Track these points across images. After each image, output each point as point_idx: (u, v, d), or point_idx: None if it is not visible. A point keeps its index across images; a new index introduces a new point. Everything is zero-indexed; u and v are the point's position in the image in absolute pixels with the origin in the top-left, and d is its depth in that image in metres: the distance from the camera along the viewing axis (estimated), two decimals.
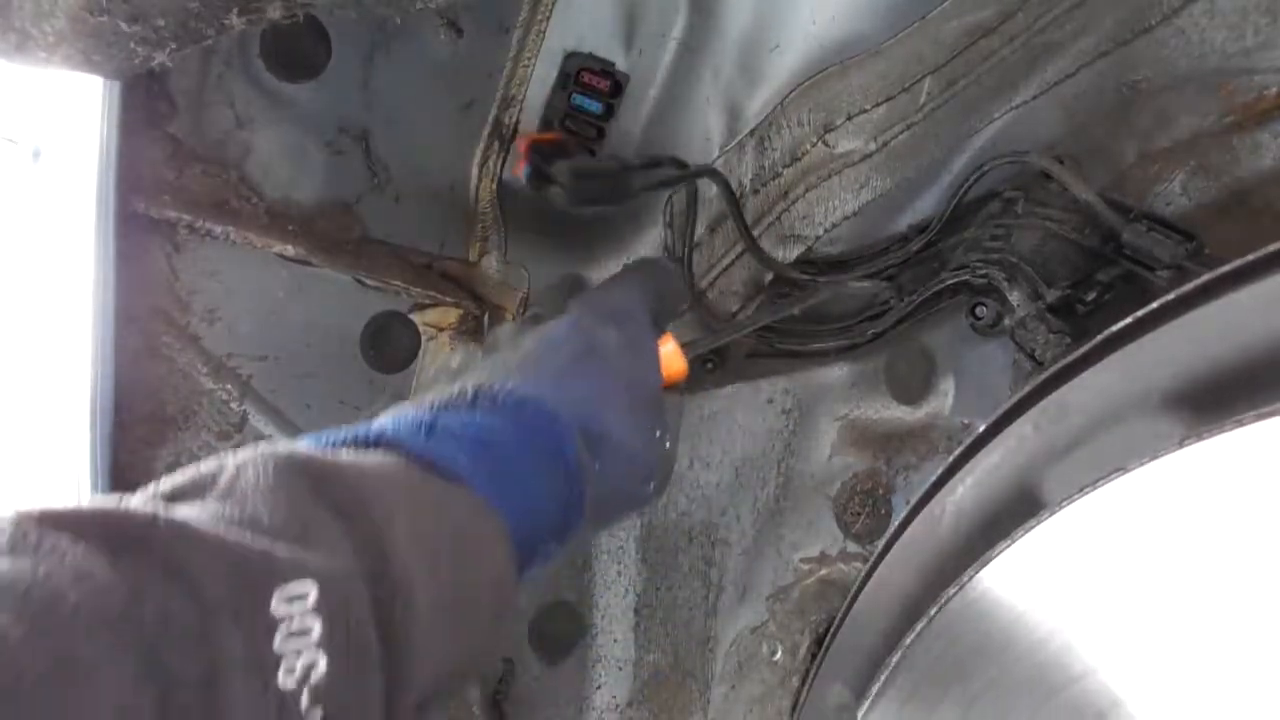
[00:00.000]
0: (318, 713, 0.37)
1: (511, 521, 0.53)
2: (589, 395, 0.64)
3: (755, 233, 0.98)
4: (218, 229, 0.83)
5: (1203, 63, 0.84)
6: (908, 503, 0.71)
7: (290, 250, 0.86)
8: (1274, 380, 0.45)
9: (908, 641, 0.58)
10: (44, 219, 0.75)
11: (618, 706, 1.13)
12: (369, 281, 0.93)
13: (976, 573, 0.54)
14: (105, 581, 0.34)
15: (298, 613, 0.38)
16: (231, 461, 0.44)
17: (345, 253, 0.92)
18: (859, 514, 1.03)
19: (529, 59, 0.95)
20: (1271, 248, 0.47)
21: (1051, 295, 0.86)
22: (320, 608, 0.38)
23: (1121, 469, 0.46)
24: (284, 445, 0.46)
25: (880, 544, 0.69)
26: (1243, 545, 0.44)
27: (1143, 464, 0.46)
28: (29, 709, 0.29)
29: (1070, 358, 0.56)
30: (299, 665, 0.37)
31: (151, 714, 0.32)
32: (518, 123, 0.99)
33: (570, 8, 0.93)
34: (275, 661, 0.37)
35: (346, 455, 0.49)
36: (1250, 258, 0.48)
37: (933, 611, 0.56)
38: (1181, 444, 0.44)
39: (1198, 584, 0.46)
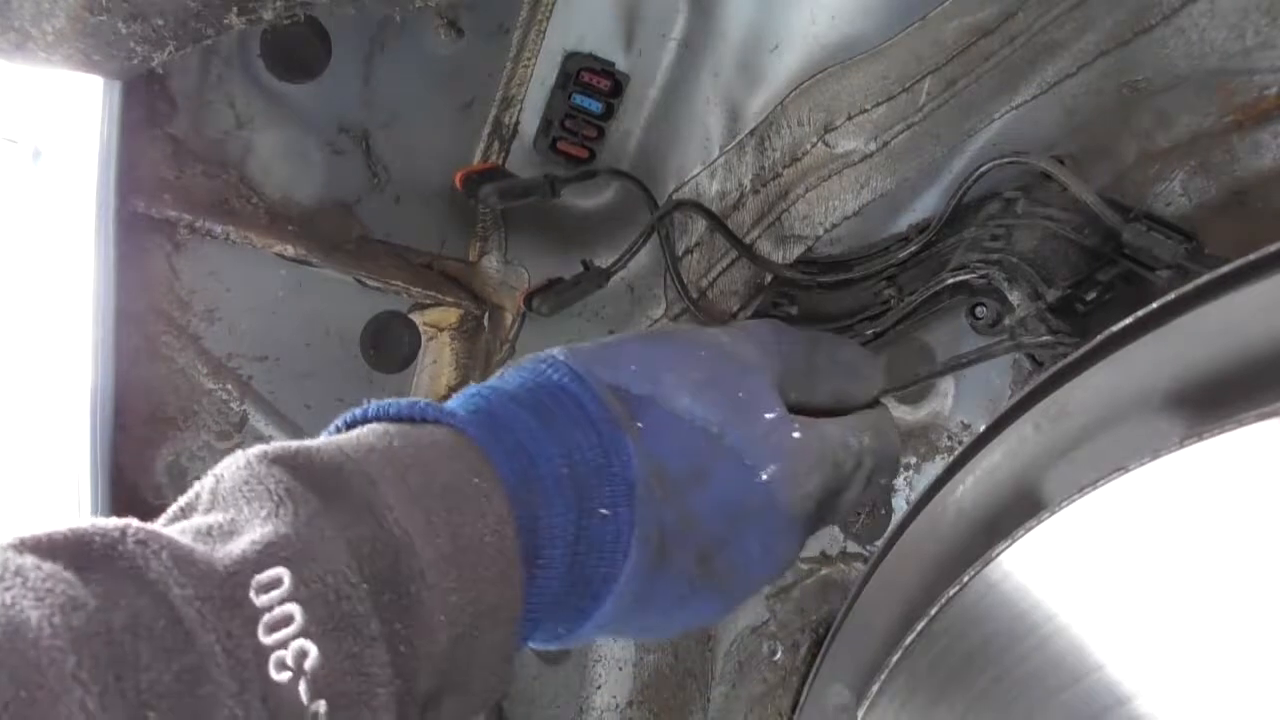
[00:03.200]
0: (321, 705, 0.36)
1: (507, 457, 0.50)
2: (643, 358, 0.59)
3: (755, 233, 0.98)
4: (218, 229, 0.83)
5: (1203, 63, 0.84)
6: (908, 503, 0.71)
7: (290, 250, 0.87)
8: (1274, 380, 0.45)
9: (908, 641, 0.58)
10: (44, 219, 0.75)
11: (618, 706, 1.13)
12: (369, 281, 0.93)
13: (977, 573, 0.54)
14: (72, 597, 0.33)
15: (275, 601, 0.36)
16: (214, 471, 0.43)
17: (345, 253, 0.92)
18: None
19: (529, 59, 0.95)
20: (1271, 248, 0.47)
21: (1051, 295, 0.86)
22: (296, 593, 0.37)
23: (1122, 469, 0.46)
24: (264, 445, 0.46)
25: (880, 544, 0.69)
26: (1243, 545, 0.44)
27: (1143, 464, 0.46)
28: None
29: (1070, 358, 0.56)
30: (289, 657, 0.36)
31: None
32: (518, 123, 0.99)
33: (570, 8, 0.93)
34: (264, 655, 0.35)
35: (329, 439, 0.48)
36: (1250, 258, 0.48)
37: (933, 611, 0.56)
38: (1181, 444, 0.44)
39: (1198, 584, 0.46)
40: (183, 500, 0.43)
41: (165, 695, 0.33)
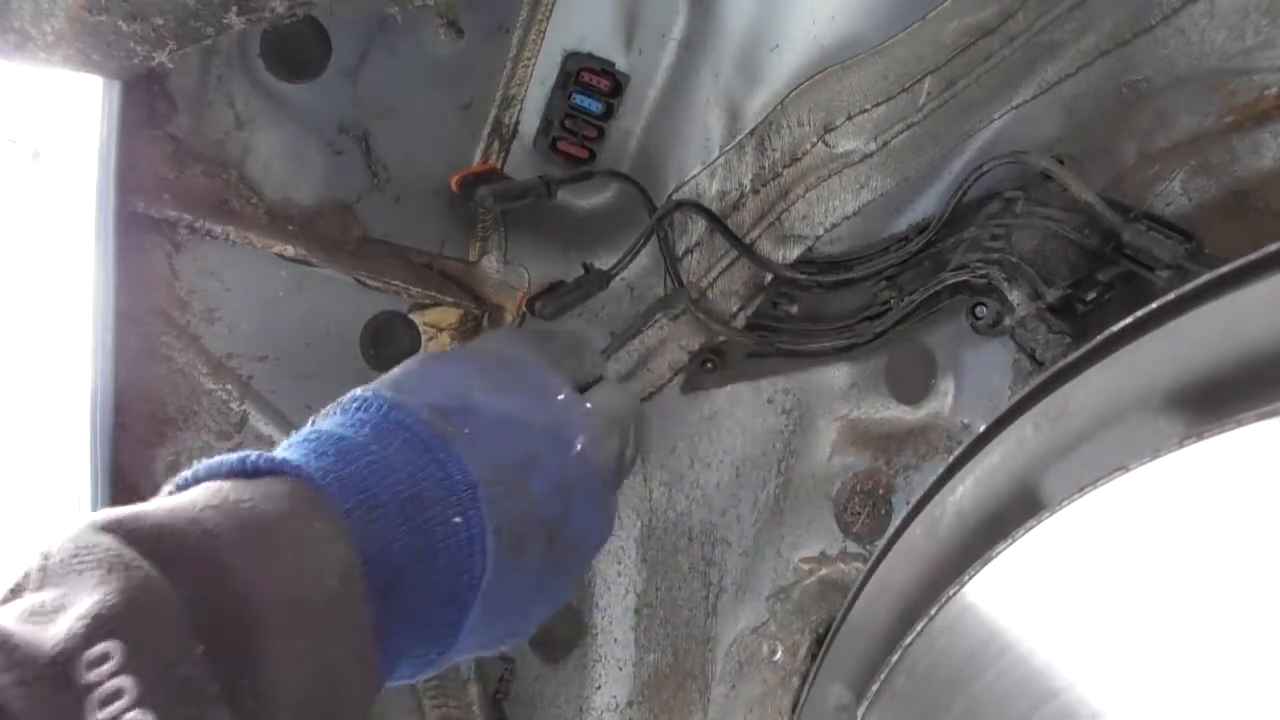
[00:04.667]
0: None
1: (347, 495, 0.51)
2: (451, 380, 0.63)
3: (755, 233, 0.98)
4: (218, 229, 0.83)
5: (1203, 63, 0.84)
6: (908, 503, 0.71)
7: (290, 250, 0.86)
8: (1274, 380, 0.45)
9: (908, 641, 0.58)
10: (44, 219, 0.75)
11: (618, 706, 1.13)
12: (369, 281, 0.93)
13: (977, 573, 0.54)
14: None
15: (106, 675, 0.35)
16: (42, 546, 0.42)
17: (345, 253, 0.92)
18: (859, 514, 1.03)
19: (529, 59, 0.95)
20: (1271, 248, 0.47)
21: (1051, 295, 0.86)
22: (128, 663, 0.36)
23: (1122, 469, 0.46)
24: (101, 512, 0.44)
25: (880, 544, 0.69)
26: (1243, 545, 0.44)
27: (1143, 464, 0.46)
28: None
29: (1070, 358, 0.56)
30: None
31: None
32: (518, 123, 0.99)
33: (570, 8, 0.93)
34: None
35: (162, 501, 0.47)
36: (1250, 258, 0.48)
37: (933, 611, 0.56)
38: (1181, 444, 0.44)
39: (1199, 583, 0.46)
40: (13, 579, 0.42)
41: None
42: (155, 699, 0.36)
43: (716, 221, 0.96)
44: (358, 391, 0.62)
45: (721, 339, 1.03)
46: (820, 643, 1.06)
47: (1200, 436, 0.43)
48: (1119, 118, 0.88)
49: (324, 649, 0.45)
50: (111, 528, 0.42)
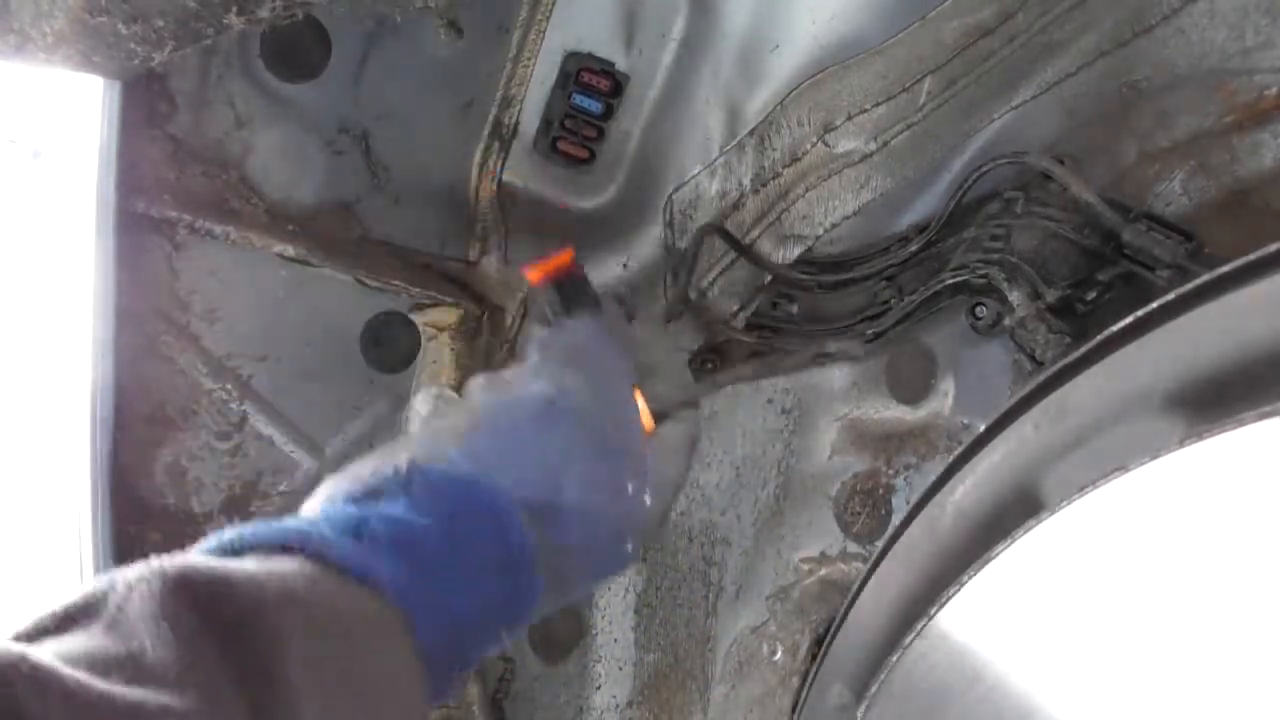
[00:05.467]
0: None
1: (433, 626, 0.51)
2: (541, 462, 0.60)
3: (755, 233, 0.98)
4: (218, 229, 0.83)
5: (1203, 63, 0.84)
6: (908, 503, 0.71)
7: (290, 250, 0.87)
8: (1274, 380, 0.45)
9: (908, 641, 0.58)
10: (44, 219, 0.75)
11: (618, 706, 1.13)
12: (369, 281, 0.93)
13: (976, 573, 0.54)
14: None
15: None
16: (122, 581, 0.41)
17: (345, 253, 0.92)
18: (859, 514, 1.03)
19: (529, 59, 0.96)
20: (1271, 248, 0.47)
21: (1051, 295, 0.86)
22: None
23: (1121, 469, 0.46)
24: (180, 559, 0.43)
25: (880, 544, 0.69)
26: (1243, 544, 0.44)
27: (1143, 464, 0.46)
28: None
29: (1070, 358, 0.56)
30: None
31: None
32: (517, 123, 0.99)
33: (570, 8, 0.93)
34: None
35: (250, 565, 0.46)
36: (1250, 258, 0.48)
37: (933, 611, 0.56)
38: (1181, 444, 0.44)
39: (1199, 582, 0.46)
40: (83, 594, 0.41)
41: None
42: None
43: (738, 245, 0.95)
44: (425, 456, 0.57)
45: (722, 339, 1.03)
46: (820, 643, 1.06)
47: (1200, 436, 0.43)
48: (1119, 118, 0.88)
49: None
50: (197, 595, 0.41)
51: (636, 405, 0.69)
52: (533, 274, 0.73)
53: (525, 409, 0.62)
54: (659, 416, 0.71)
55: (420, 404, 0.66)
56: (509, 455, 0.59)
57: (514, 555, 0.56)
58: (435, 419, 0.63)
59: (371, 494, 0.55)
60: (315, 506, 0.55)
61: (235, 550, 0.48)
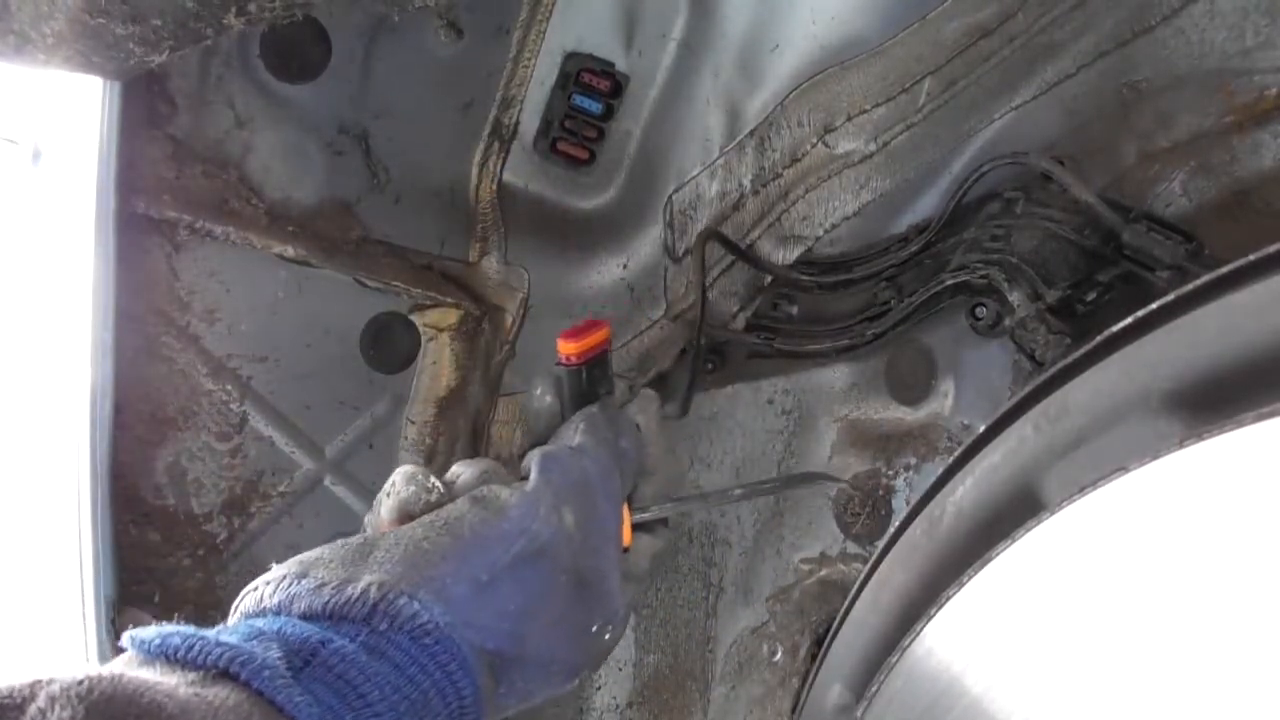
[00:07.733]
0: None
1: None
2: (514, 612, 0.59)
3: (755, 233, 0.98)
4: (218, 229, 0.83)
5: (1203, 63, 0.84)
6: (908, 503, 0.71)
7: (290, 250, 0.87)
8: (1274, 380, 0.45)
9: (908, 642, 0.58)
10: (44, 219, 0.75)
11: (618, 707, 1.13)
12: (369, 282, 0.94)
13: (976, 573, 0.54)
14: None
15: None
16: (44, 694, 0.39)
17: (345, 253, 0.92)
18: (859, 514, 1.03)
19: (529, 59, 0.96)
20: (1271, 248, 0.47)
21: (1051, 295, 0.86)
22: None
23: (1122, 469, 0.46)
24: (112, 676, 0.41)
25: (880, 544, 0.69)
26: (1243, 544, 0.44)
27: (1143, 464, 0.45)
28: None
29: (1070, 358, 0.56)
30: None
31: None
32: (517, 123, 0.99)
33: (570, 8, 0.93)
34: None
35: (183, 690, 0.44)
36: (1250, 258, 0.48)
37: (933, 612, 0.56)
38: (1181, 444, 0.44)
39: (1199, 582, 0.46)
40: (4, 692, 0.40)
41: None
42: None
43: (739, 253, 0.95)
44: (397, 582, 0.55)
45: (722, 339, 1.03)
46: (820, 643, 1.06)
47: (1200, 437, 0.43)
48: (1119, 118, 0.88)
49: None
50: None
51: (621, 538, 0.68)
52: (566, 347, 0.71)
53: (510, 548, 0.60)
54: (639, 526, 0.73)
55: (400, 482, 0.62)
56: (483, 605, 0.58)
57: (465, 705, 0.55)
58: (419, 527, 0.59)
59: (331, 616, 0.53)
60: (272, 599, 0.53)
61: (179, 660, 0.46)
